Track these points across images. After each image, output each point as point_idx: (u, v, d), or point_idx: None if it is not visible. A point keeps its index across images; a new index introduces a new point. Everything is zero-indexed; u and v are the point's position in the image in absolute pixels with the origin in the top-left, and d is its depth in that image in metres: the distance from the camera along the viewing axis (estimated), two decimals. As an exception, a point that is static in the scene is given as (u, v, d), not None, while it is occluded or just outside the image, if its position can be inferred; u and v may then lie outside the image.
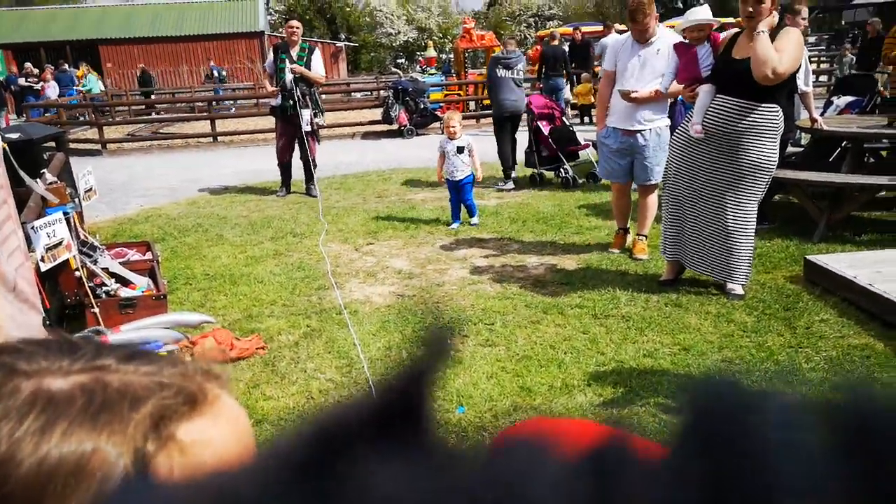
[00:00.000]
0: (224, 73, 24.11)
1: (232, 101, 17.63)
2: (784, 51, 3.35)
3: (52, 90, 17.04)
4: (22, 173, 3.07)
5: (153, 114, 17.70)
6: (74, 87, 17.89)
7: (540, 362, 3.17)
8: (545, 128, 7.14)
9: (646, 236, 4.65)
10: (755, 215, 3.69)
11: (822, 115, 5.87)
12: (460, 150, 5.56)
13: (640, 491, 0.17)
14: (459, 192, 5.67)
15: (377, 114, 12.34)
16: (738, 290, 3.77)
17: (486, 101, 12.37)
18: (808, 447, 0.17)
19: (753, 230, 3.71)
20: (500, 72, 7.15)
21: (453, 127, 5.56)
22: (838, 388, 0.18)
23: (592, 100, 10.80)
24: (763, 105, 3.47)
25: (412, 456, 0.19)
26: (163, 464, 0.44)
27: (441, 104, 13.32)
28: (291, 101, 6.77)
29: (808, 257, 3.98)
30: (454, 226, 5.68)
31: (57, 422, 0.42)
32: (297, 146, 7.00)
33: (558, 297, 3.98)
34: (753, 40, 3.38)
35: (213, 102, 14.50)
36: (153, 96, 21.29)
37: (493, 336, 3.50)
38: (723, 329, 3.41)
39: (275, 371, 3.19)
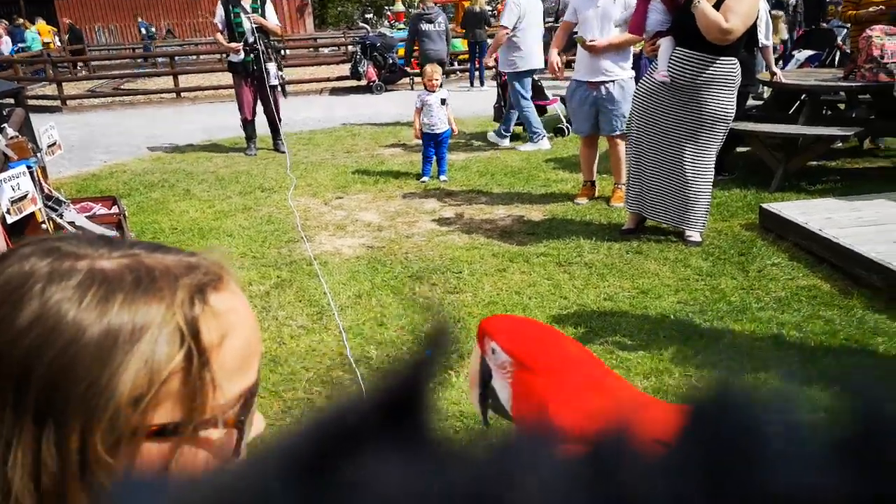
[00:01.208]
0: (153, 29, 23.17)
1: (195, 56, 17.19)
2: (732, 10, 3.42)
3: (5, 46, 16.41)
4: (-18, 124, 3.02)
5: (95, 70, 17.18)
6: (15, 45, 17.20)
7: (505, 307, 3.28)
8: (513, 82, 7.15)
9: (624, 184, 4.75)
10: (712, 165, 3.82)
11: (782, 68, 6.00)
12: (443, 101, 5.59)
13: (644, 491, 0.17)
14: (438, 147, 5.70)
15: (345, 69, 12.18)
16: (696, 237, 3.91)
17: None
18: (811, 449, 0.17)
19: (711, 180, 3.84)
20: (424, 26, 8.27)
21: (436, 79, 5.57)
22: (843, 389, 0.18)
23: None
24: (720, 58, 3.56)
25: (414, 453, 0.18)
26: (204, 327, 0.53)
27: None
28: (253, 55, 6.60)
29: (763, 205, 4.13)
30: (425, 179, 5.72)
31: (115, 294, 0.51)
32: (260, 102, 6.84)
33: (524, 247, 4.09)
34: (695, 10, 3.44)
35: (175, 57, 14.13)
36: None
37: (461, 284, 3.60)
38: (680, 273, 3.56)
39: (246, 319, 3.26)
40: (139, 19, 23.55)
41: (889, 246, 3.29)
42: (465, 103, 7.25)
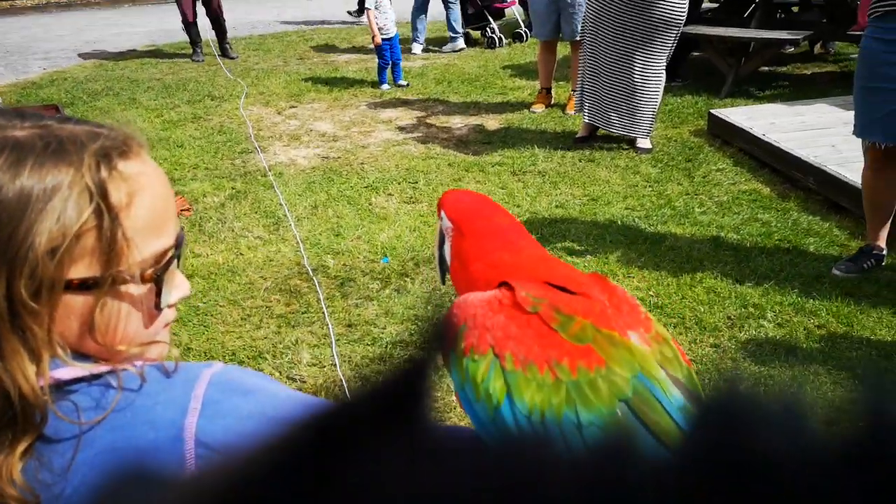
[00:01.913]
0: None
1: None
2: None
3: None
4: None
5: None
6: None
7: (459, 215, 3.35)
8: (470, -16, 6.93)
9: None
10: (662, 71, 3.85)
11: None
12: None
13: (648, 492, 0.17)
14: (394, 51, 5.56)
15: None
16: (646, 144, 3.99)
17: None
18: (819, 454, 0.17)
19: (660, 86, 3.88)
20: None
21: None
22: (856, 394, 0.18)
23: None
24: (674, -41, 3.52)
25: (412, 449, 0.18)
26: (112, 188, 0.59)
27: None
28: None
29: (711, 111, 4.21)
30: (385, 86, 5.62)
31: (27, 159, 0.57)
32: (201, 2, 6.52)
33: (480, 156, 4.12)
34: None
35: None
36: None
37: (417, 194, 3.64)
38: (629, 181, 3.66)
39: (202, 231, 3.27)
40: None
41: (826, 150, 3.43)
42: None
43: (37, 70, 6.68)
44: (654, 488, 0.17)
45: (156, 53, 7.22)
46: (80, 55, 7.26)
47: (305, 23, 8.66)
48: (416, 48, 6.85)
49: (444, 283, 0.98)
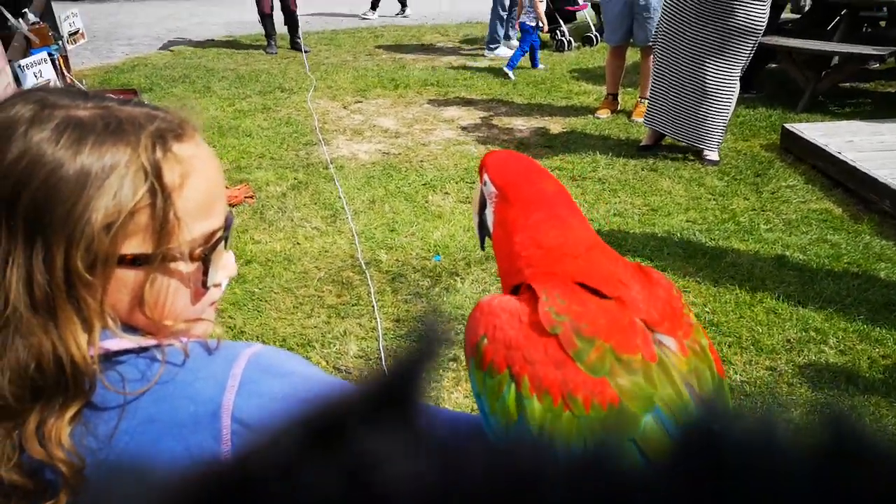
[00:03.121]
0: None
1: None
2: None
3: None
4: (5, 12, 3.04)
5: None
6: None
7: (515, 218, 3.33)
8: (542, -15, 6.88)
9: (647, 99, 4.67)
10: (737, 81, 3.73)
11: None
12: None
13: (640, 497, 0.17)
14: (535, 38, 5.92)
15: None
16: (714, 156, 3.88)
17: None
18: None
19: (733, 97, 3.76)
20: None
21: None
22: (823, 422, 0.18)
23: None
24: (755, -34, 3.40)
25: (405, 443, 0.18)
26: (167, 169, 0.62)
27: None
28: None
29: (784, 125, 4.06)
30: (512, 75, 5.85)
31: (88, 137, 0.60)
32: None
33: (540, 159, 4.08)
34: None
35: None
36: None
37: (473, 193, 3.64)
38: (693, 192, 3.56)
39: (263, 218, 3.35)
40: None
41: (907, 173, 3.26)
42: (488, 6, 7.00)
43: (120, 55, 6.99)
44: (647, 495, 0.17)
45: (232, 44, 7.44)
46: (161, 43, 7.56)
47: (378, 22, 8.77)
48: (494, 51, 6.81)
49: (483, 248, 0.95)
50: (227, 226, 0.69)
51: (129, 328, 0.65)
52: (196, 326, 0.70)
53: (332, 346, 2.39)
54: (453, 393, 2.15)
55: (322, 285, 2.77)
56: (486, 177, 0.85)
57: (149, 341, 0.65)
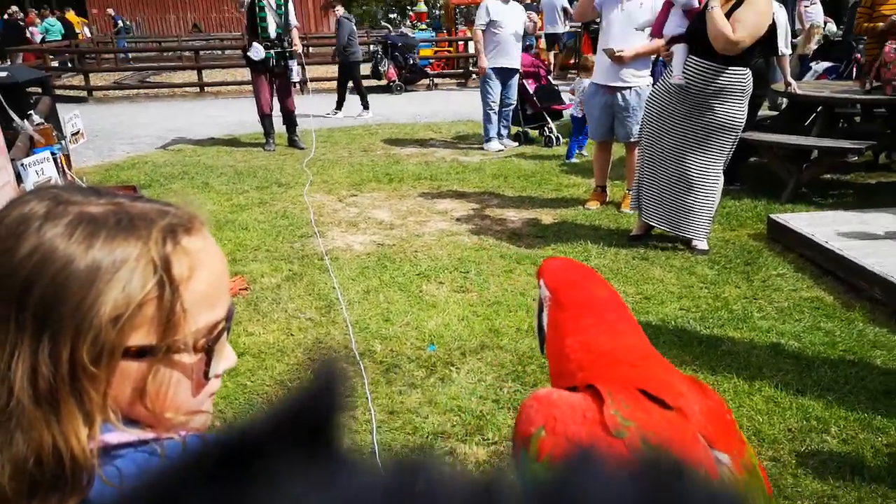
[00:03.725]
0: (129, 22, 22.83)
1: (220, 52, 17.40)
2: (742, 21, 3.46)
3: (37, 35, 16.73)
4: (11, 113, 3.14)
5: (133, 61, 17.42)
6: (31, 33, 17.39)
7: (509, 307, 3.34)
8: (531, 86, 7.20)
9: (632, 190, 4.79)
10: (719, 175, 3.85)
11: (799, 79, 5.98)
12: None
13: None
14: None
15: (366, 69, 12.28)
16: (703, 245, 3.94)
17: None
18: None
19: (717, 189, 3.87)
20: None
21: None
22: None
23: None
24: (731, 68, 3.59)
25: (317, 469, 0.19)
26: (176, 262, 0.63)
27: (430, 61, 13.26)
28: (276, 52, 6.75)
29: (771, 216, 4.15)
30: (574, 159, 6.36)
31: (100, 233, 0.61)
32: (278, 98, 7.00)
33: (532, 249, 4.14)
34: (706, 15, 3.49)
35: (200, 52, 14.32)
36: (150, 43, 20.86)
37: (467, 283, 3.66)
38: (684, 280, 3.59)
39: (257, 310, 3.35)
40: (110, 12, 22.38)
41: (893, 260, 3.31)
42: (479, 106, 7.29)
43: (121, 154, 7.18)
44: None
45: (232, 142, 7.67)
46: (163, 142, 7.78)
47: (372, 120, 9.09)
48: (493, 145, 7.05)
49: (543, 352, 0.95)
50: (229, 316, 0.70)
51: (129, 421, 0.65)
52: (195, 419, 0.69)
53: (324, 439, 2.33)
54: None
55: (315, 377, 2.73)
56: (541, 281, 0.88)
57: (149, 434, 0.64)
